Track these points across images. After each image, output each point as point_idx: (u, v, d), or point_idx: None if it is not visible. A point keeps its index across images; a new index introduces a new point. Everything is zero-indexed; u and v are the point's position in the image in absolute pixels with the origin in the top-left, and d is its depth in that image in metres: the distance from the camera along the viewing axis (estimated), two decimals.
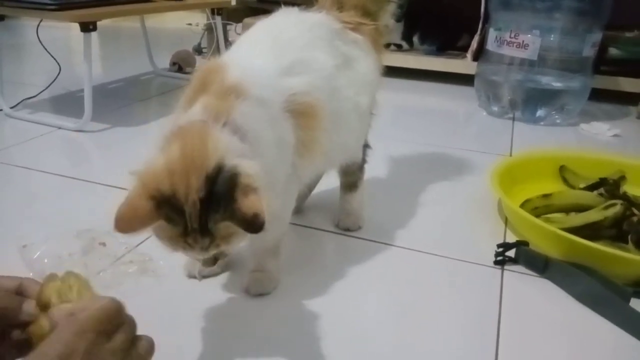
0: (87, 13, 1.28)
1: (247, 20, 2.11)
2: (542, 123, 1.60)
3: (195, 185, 0.51)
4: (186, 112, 0.59)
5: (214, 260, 0.63)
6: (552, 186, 1.11)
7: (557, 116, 1.60)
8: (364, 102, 0.81)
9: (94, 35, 1.31)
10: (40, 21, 1.60)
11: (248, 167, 0.53)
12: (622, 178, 1.10)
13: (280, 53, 0.69)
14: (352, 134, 0.83)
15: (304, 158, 0.70)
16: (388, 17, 0.91)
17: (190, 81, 0.64)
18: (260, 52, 0.69)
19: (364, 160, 0.93)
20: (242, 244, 0.57)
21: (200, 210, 0.51)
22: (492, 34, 1.62)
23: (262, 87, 0.63)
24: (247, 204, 0.50)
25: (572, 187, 1.12)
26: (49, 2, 1.26)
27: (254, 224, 0.50)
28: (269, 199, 0.54)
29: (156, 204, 0.51)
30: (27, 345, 0.44)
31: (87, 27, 1.27)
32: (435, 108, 1.81)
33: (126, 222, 0.51)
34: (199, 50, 2.40)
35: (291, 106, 0.66)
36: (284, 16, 0.76)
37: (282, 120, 0.65)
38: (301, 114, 0.67)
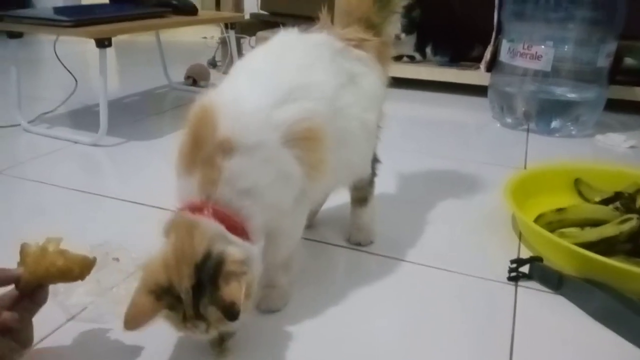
0: (102, 29, 1.31)
1: (260, 33, 2.13)
2: (557, 134, 1.58)
3: (186, 274, 0.55)
4: (185, 180, 0.63)
5: (221, 340, 0.64)
6: (567, 199, 1.10)
7: (572, 127, 1.58)
8: (371, 118, 0.81)
9: (109, 49, 1.33)
10: (57, 37, 1.63)
11: (234, 253, 0.57)
12: (638, 191, 1.08)
13: (277, 81, 0.68)
14: (361, 152, 0.82)
15: (313, 180, 0.70)
16: (393, 28, 0.90)
17: (185, 131, 0.65)
18: (256, 83, 0.68)
19: (373, 174, 0.92)
20: (239, 325, 0.61)
21: (193, 297, 0.56)
22: (505, 45, 1.61)
23: (255, 132, 0.63)
24: (227, 291, 0.55)
25: (587, 200, 1.10)
26: (66, 19, 1.29)
27: (228, 312, 0.54)
28: (277, 220, 0.62)
29: (156, 296, 0.56)
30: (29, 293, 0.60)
31: (103, 43, 1.29)
32: (448, 119, 1.80)
33: (134, 321, 0.55)
34: (213, 63, 2.43)
35: (290, 137, 0.65)
36: (283, 40, 0.76)
37: (281, 156, 0.65)
38: (303, 139, 0.66)
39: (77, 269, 0.61)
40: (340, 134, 0.73)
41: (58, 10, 1.50)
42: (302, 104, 0.67)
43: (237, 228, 0.61)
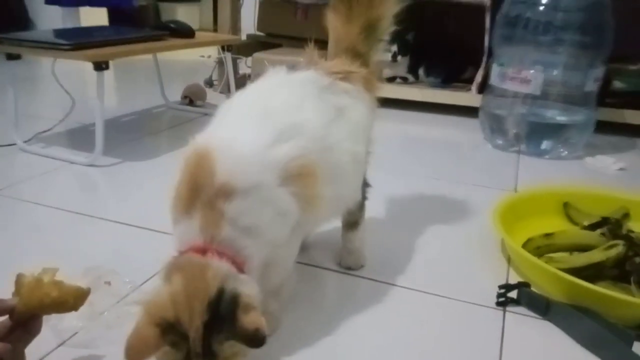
0: (100, 53, 1.33)
1: (257, 54, 2.16)
2: (547, 156, 1.60)
3: (199, 310, 0.56)
4: (184, 224, 0.64)
5: None
6: (556, 222, 1.12)
7: (562, 149, 1.61)
8: (361, 149, 0.83)
9: None
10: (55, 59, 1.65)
11: (247, 289, 0.59)
12: (626, 215, 1.10)
13: (269, 121, 0.69)
14: (352, 184, 0.84)
15: (308, 214, 0.71)
16: (380, 56, 0.93)
17: (180, 175, 0.66)
18: (249, 124, 0.70)
19: (364, 199, 0.94)
20: None
21: (203, 334, 0.55)
22: (495, 69, 1.64)
23: (253, 174, 0.65)
24: (248, 320, 0.56)
25: (576, 224, 1.12)
26: (64, 42, 1.31)
27: (255, 338, 0.55)
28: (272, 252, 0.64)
29: (161, 331, 0.55)
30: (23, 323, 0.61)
31: (100, 66, 1.31)
32: (440, 140, 1.82)
33: (135, 351, 0.55)
34: (210, 82, 2.45)
35: (285, 175, 0.67)
36: (272, 80, 0.78)
37: (278, 195, 0.67)
38: (297, 176, 0.68)
39: (71, 300, 0.63)
40: (332, 169, 0.75)
41: (57, 32, 1.52)
42: (295, 143, 0.69)
43: (240, 267, 0.63)
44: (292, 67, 0.81)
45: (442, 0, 1.96)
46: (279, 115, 0.71)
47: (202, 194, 0.63)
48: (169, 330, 0.55)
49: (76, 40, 1.33)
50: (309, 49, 0.86)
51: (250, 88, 0.78)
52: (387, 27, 0.91)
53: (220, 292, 0.57)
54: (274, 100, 0.74)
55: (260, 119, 0.70)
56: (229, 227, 0.63)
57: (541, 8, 1.50)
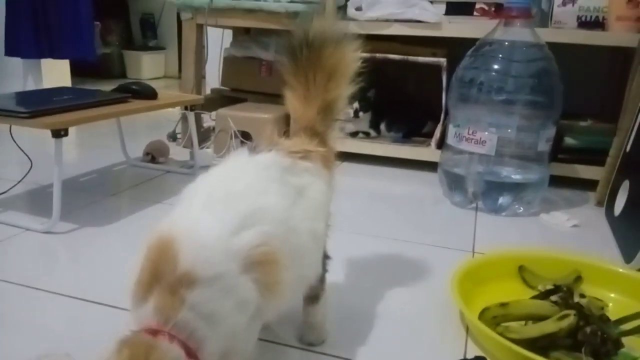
0: (58, 120, 1.32)
1: (220, 111, 2.18)
2: (503, 214, 1.65)
3: None
4: (141, 308, 0.63)
5: None
6: (513, 286, 1.15)
7: (518, 206, 1.66)
8: (320, 227, 0.85)
9: None
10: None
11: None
12: (578, 279, 1.14)
13: (231, 207, 0.70)
14: (313, 263, 0.85)
15: (269, 300, 0.71)
16: (336, 134, 0.98)
17: (142, 261, 0.66)
18: (212, 211, 0.70)
19: (324, 271, 0.94)
20: None
21: None
22: (451, 130, 1.70)
23: (216, 264, 0.65)
24: None
25: (532, 287, 1.15)
26: (22, 110, 1.30)
27: None
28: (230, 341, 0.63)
29: None
30: None
31: (59, 133, 1.30)
32: (401, 196, 1.86)
33: None
34: (173, 136, 2.45)
35: (248, 262, 0.67)
36: (235, 163, 0.80)
37: (240, 284, 0.67)
38: (260, 263, 0.68)
39: None
40: (294, 250, 0.75)
41: (15, 98, 1.51)
42: (258, 229, 0.69)
43: (192, 353, 0.62)
44: (253, 148, 0.83)
45: (401, 59, 2.03)
46: (243, 200, 0.72)
47: (162, 280, 0.63)
48: None
49: (34, 108, 1.32)
50: (268, 131, 0.88)
51: (214, 171, 0.79)
52: (343, 107, 0.96)
53: None
54: (238, 184, 0.75)
55: (225, 205, 0.71)
56: (188, 312, 0.62)
57: (493, 74, 1.58)
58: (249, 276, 0.67)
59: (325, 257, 0.94)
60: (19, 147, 1.66)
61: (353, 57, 0.94)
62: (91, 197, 1.67)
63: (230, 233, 0.67)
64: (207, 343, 0.64)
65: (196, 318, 0.63)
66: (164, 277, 0.63)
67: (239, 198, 0.72)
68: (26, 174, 1.66)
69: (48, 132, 1.31)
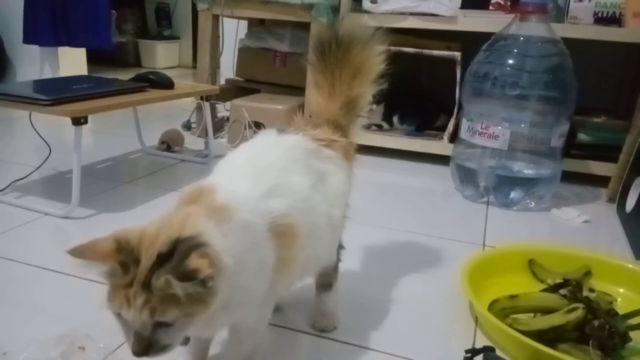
0: (78, 108, 1.35)
1: (235, 101, 2.20)
2: (515, 208, 1.66)
3: (161, 242, 0.57)
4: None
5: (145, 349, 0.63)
6: (522, 280, 1.16)
7: (529, 201, 1.66)
8: (337, 213, 0.87)
9: None
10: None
11: (215, 244, 0.59)
12: (588, 274, 1.15)
13: (260, 178, 0.74)
14: (328, 245, 0.88)
15: (282, 274, 0.74)
16: (358, 130, 1.00)
17: (179, 198, 0.70)
18: (242, 177, 0.74)
19: (338, 261, 0.97)
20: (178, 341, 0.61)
21: (153, 264, 0.56)
22: (464, 124, 1.71)
23: (247, 212, 0.68)
24: (195, 262, 0.55)
25: (541, 280, 1.17)
26: (43, 97, 1.33)
27: (190, 276, 0.55)
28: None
29: (117, 247, 0.58)
30: None
31: (79, 120, 1.33)
32: (413, 189, 1.87)
33: (81, 250, 0.58)
34: (188, 126, 2.48)
35: (273, 227, 0.71)
36: (263, 141, 0.84)
37: (264, 242, 0.70)
38: (282, 234, 0.72)
39: None
40: (311, 230, 0.78)
41: (36, 86, 1.54)
42: (283, 201, 0.74)
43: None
44: (282, 130, 0.86)
45: (416, 52, 2.04)
46: (270, 174, 0.76)
47: (200, 202, 0.67)
48: (125, 250, 0.57)
49: (55, 95, 1.35)
50: (297, 118, 0.93)
51: (243, 148, 0.83)
52: (366, 104, 0.98)
53: (192, 238, 0.58)
54: (265, 160, 0.78)
55: (254, 175, 0.75)
56: (219, 236, 0.62)
57: (508, 69, 1.58)
58: (272, 241, 0.70)
59: (340, 247, 0.97)
60: (38, 134, 1.70)
61: (379, 58, 0.97)
62: (108, 184, 1.70)
63: (259, 197, 0.71)
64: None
65: (229, 247, 0.62)
66: (201, 202, 0.67)
67: (266, 171, 0.76)
68: (45, 160, 1.70)
69: (66, 120, 1.34)
